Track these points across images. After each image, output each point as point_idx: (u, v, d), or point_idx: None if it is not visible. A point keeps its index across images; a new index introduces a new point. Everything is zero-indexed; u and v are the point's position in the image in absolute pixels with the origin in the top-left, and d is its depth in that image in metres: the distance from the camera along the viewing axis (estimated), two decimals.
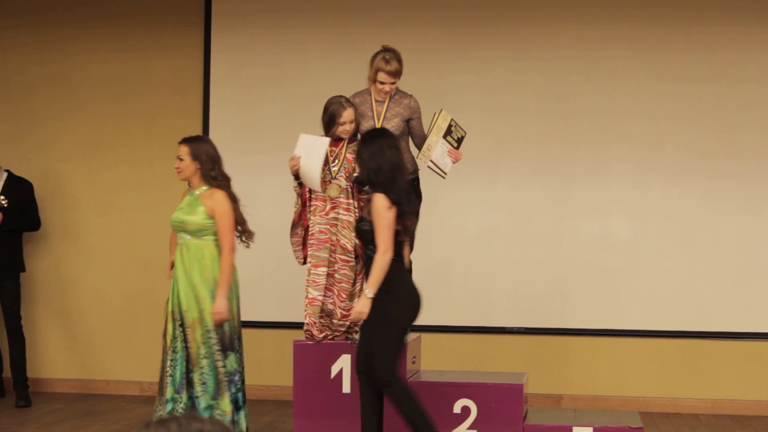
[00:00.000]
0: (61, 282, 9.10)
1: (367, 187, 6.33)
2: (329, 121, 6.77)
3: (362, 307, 5.91)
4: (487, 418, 6.43)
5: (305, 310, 6.74)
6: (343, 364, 6.64)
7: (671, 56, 8.55)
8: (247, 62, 8.99)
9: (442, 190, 8.07)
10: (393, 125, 6.66)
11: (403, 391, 5.97)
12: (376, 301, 5.88)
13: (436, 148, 6.71)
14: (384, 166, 5.94)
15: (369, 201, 6.09)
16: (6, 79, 9.34)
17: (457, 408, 6.49)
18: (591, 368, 8.57)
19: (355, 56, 8.86)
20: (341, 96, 6.80)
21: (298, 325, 8.55)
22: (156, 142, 9.02)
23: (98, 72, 9.23)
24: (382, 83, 6.70)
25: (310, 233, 6.85)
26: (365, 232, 6.04)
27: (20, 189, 8.67)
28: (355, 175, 6.59)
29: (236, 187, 8.89)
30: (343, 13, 8.92)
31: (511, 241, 8.69)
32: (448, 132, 6.76)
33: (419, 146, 6.81)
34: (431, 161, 6.71)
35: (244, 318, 9.02)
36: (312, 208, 6.85)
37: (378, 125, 6.66)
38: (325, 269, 6.69)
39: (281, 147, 8.89)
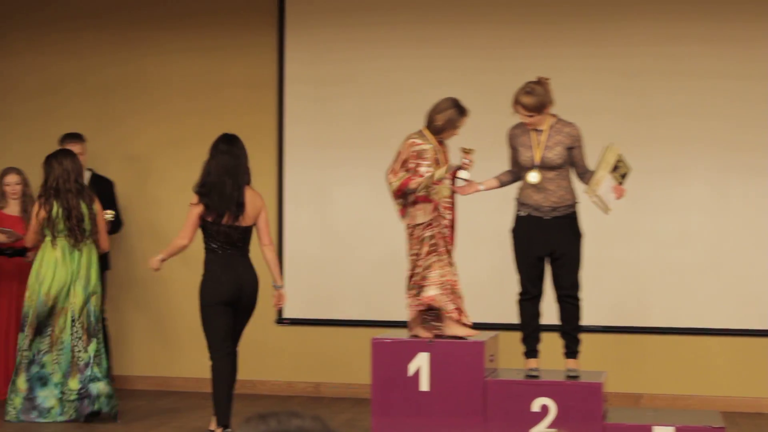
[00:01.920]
0: (143, 280, 9.19)
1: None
2: (446, 124, 6.73)
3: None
4: (566, 417, 6.39)
5: (421, 308, 6.72)
6: (421, 362, 6.64)
7: (751, 54, 8.42)
8: (321, 60, 9.03)
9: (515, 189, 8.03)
10: (555, 154, 6.65)
11: (213, 372, 7.01)
12: None
13: (603, 183, 6.71)
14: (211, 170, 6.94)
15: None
16: (83, 78, 9.47)
17: (535, 406, 6.47)
18: (670, 367, 8.48)
19: (428, 53, 8.88)
20: (458, 100, 6.78)
21: (375, 324, 8.60)
22: None
23: (174, 71, 9.33)
24: (519, 114, 6.68)
25: (433, 234, 6.75)
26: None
27: (103, 188, 8.72)
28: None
29: (310, 182, 9.01)
30: (416, 10, 8.92)
31: (589, 238, 8.59)
32: (615, 167, 6.75)
33: (581, 175, 6.81)
34: (597, 196, 6.72)
35: (324, 316, 9.09)
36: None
37: (538, 154, 6.65)
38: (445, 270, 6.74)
39: (355, 142, 8.95)
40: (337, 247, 8.94)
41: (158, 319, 9.24)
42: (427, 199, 6.68)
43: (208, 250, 7.05)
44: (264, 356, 9.06)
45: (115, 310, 9.14)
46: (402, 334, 6.97)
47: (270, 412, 1.54)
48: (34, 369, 7.67)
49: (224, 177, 6.96)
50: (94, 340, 7.76)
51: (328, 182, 8.99)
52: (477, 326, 6.90)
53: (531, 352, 6.82)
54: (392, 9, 8.95)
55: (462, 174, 6.75)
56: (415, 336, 6.76)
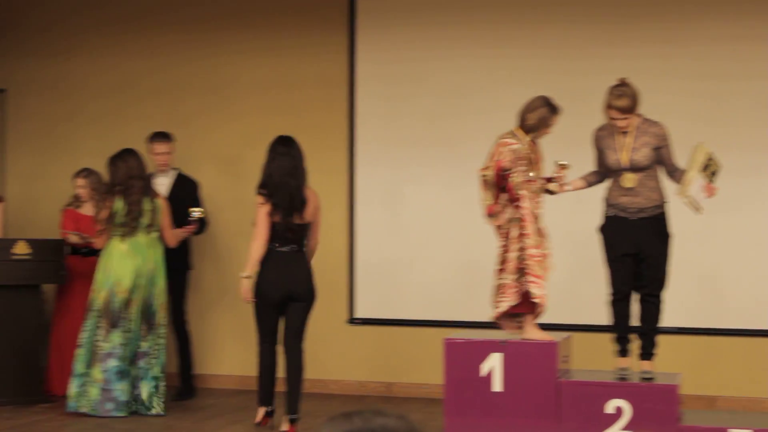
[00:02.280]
0: (225, 280, 9.27)
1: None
2: (538, 122, 6.68)
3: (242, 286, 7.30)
4: (641, 419, 6.32)
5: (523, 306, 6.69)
6: (494, 362, 6.62)
7: None
8: (392, 59, 9.04)
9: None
10: (642, 155, 6.62)
11: (258, 357, 7.36)
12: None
13: (694, 183, 6.67)
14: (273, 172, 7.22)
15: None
16: (156, 78, 9.57)
17: (609, 408, 6.41)
18: (746, 369, 8.36)
19: (500, 53, 8.85)
20: (551, 98, 6.74)
21: (446, 324, 8.59)
22: (303, 137, 9.09)
23: (246, 70, 9.40)
24: (614, 119, 6.63)
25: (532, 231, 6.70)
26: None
27: (187, 188, 8.81)
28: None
29: (382, 181, 9.01)
30: (487, 10, 8.90)
31: None
32: (705, 166, 6.70)
33: (671, 174, 6.77)
34: (688, 196, 6.68)
35: (396, 316, 9.08)
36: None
37: (626, 156, 6.62)
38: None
39: (427, 142, 8.94)
40: (409, 246, 8.94)
41: (242, 319, 9.24)
42: (517, 198, 6.62)
43: (269, 249, 7.28)
44: (336, 356, 9.10)
45: (199, 310, 9.19)
46: (474, 334, 6.95)
47: (354, 410, 1.55)
48: (112, 362, 7.77)
49: (286, 177, 7.25)
50: (152, 335, 7.91)
51: (399, 181, 8.99)
52: (550, 327, 6.87)
53: (622, 351, 6.82)
54: (464, 8, 8.93)
55: (551, 187, 6.72)
56: (507, 327, 6.71)
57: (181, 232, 8.35)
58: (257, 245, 7.25)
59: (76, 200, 8.93)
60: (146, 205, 7.98)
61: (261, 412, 7.41)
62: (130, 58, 9.66)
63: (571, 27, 8.70)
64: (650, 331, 6.79)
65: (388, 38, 9.05)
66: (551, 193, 6.77)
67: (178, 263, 8.68)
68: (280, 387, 7.42)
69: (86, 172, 8.87)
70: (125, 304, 7.83)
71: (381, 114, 9.06)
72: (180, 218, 8.44)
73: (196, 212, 8.28)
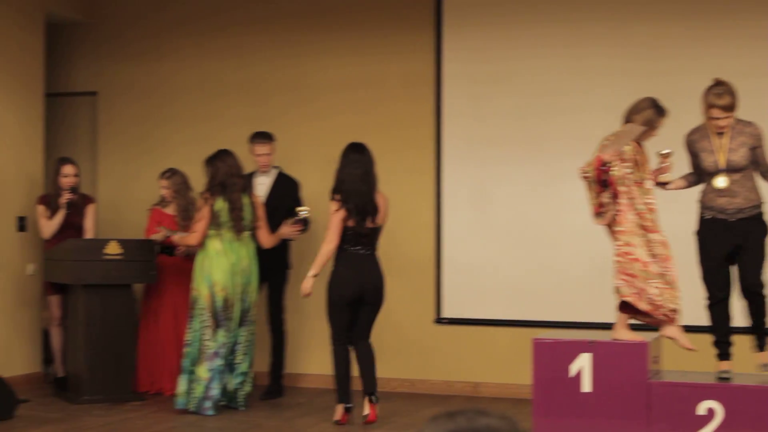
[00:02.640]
0: (317, 279, 9.30)
1: None
2: (644, 124, 6.59)
3: (304, 283, 7.58)
4: (734, 421, 6.23)
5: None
6: (583, 363, 6.57)
7: None
8: (478, 58, 9.01)
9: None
10: (740, 156, 6.54)
11: (333, 355, 7.60)
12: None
13: None
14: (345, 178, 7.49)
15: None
16: (246, 84, 9.67)
17: (701, 410, 6.32)
18: None
19: (586, 52, 8.75)
20: (657, 100, 6.67)
21: (533, 324, 8.55)
22: (389, 136, 9.13)
23: (333, 71, 9.43)
24: (716, 119, 6.56)
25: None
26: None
27: (288, 187, 8.84)
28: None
29: (468, 180, 8.98)
30: (574, 7, 8.82)
31: None
32: None
33: (764, 174, 6.67)
34: None
35: (482, 316, 9.05)
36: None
37: (722, 158, 6.55)
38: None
39: (514, 141, 8.89)
40: (496, 246, 8.91)
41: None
42: (617, 194, 6.52)
43: (340, 250, 7.55)
44: (422, 355, 9.10)
45: (295, 309, 9.24)
46: (563, 334, 6.91)
47: (458, 410, 1.54)
48: (218, 362, 7.88)
49: (359, 184, 7.48)
50: (243, 332, 8.02)
51: (486, 180, 8.96)
52: (641, 327, 6.80)
53: (723, 355, 6.71)
54: (550, 6, 8.87)
55: (664, 177, 6.65)
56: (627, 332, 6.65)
57: (288, 231, 8.37)
58: (329, 249, 7.54)
59: (162, 200, 9.07)
60: (245, 202, 8.08)
61: (340, 409, 7.55)
62: (216, 57, 9.76)
63: (661, 24, 8.58)
64: (762, 325, 6.70)
65: (474, 37, 9.02)
66: (664, 185, 6.68)
67: (278, 262, 8.74)
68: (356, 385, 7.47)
69: (170, 173, 9.00)
70: (226, 303, 7.93)
71: (467, 113, 9.03)
72: (281, 217, 8.47)
73: (303, 211, 8.27)
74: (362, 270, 7.54)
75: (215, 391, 7.88)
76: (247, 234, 8.11)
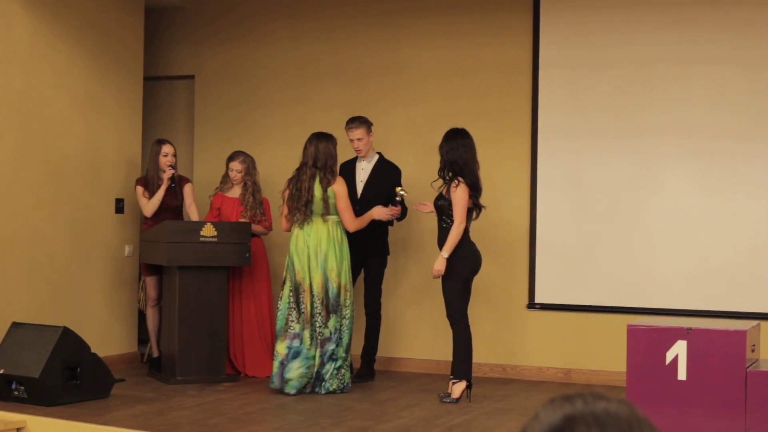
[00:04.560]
0: (412, 265, 9.35)
1: None
2: None
3: (439, 265, 7.72)
4: None
5: None
6: (678, 350, 6.49)
7: None
8: (576, 44, 8.89)
9: None
10: None
11: (462, 332, 7.77)
12: (449, 260, 7.70)
13: None
14: (458, 159, 7.71)
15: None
16: (342, 68, 9.70)
17: None
18: None
19: (686, 38, 8.58)
20: None
21: (626, 310, 8.48)
22: (485, 122, 9.10)
23: (428, 55, 9.40)
24: None
25: None
26: (442, 207, 7.81)
27: (389, 173, 8.77)
28: None
29: (564, 170, 8.91)
30: None
31: None
32: None
33: None
34: None
35: (575, 302, 8.97)
36: None
37: None
38: None
39: (610, 132, 8.77)
40: (589, 233, 8.83)
41: (427, 303, 9.28)
42: None
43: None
44: (514, 341, 9.06)
45: (391, 294, 9.28)
46: (657, 321, 6.84)
47: (575, 393, 1.54)
48: (296, 342, 8.00)
49: (471, 165, 7.77)
50: (333, 317, 8.04)
51: (582, 169, 8.85)
52: (738, 315, 6.71)
53: None
54: None
55: None
56: None
57: (381, 213, 8.37)
58: (460, 229, 7.75)
59: (224, 183, 9.16)
60: (317, 191, 8.09)
61: (463, 385, 7.78)
62: (311, 41, 9.80)
63: (763, 8, 8.38)
64: None
65: (572, 22, 8.88)
66: None
67: (377, 248, 8.76)
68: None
69: (243, 155, 9.07)
70: (302, 288, 8.03)
71: (563, 102, 8.91)
72: (380, 203, 8.50)
73: (401, 192, 8.26)
74: (474, 246, 7.90)
75: (287, 370, 7.97)
76: (332, 219, 8.14)
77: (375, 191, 8.64)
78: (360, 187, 8.73)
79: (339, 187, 8.14)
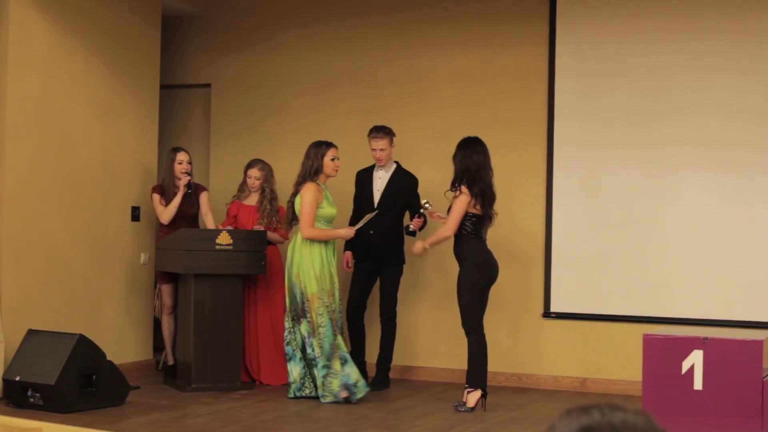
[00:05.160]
0: (442, 274, 9.34)
1: None
2: None
3: (415, 247, 7.88)
4: None
5: None
6: (695, 359, 6.47)
7: None
8: (591, 53, 8.88)
9: None
10: None
11: (478, 341, 7.73)
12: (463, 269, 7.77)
13: None
14: (471, 166, 7.69)
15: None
16: (357, 76, 9.71)
17: None
18: None
19: (702, 47, 8.55)
20: None
21: (641, 319, 8.46)
22: (500, 130, 9.09)
23: (444, 63, 9.42)
24: None
25: None
26: None
27: (406, 183, 8.79)
28: None
29: (580, 178, 8.90)
30: (692, 1, 8.60)
31: None
32: None
33: None
34: None
35: (590, 311, 8.94)
36: None
37: None
38: None
39: (625, 141, 8.75)
40: (605, 242, 8.81)
41: (441, 312, 9.29)
42: None
43: (476, 237, 7.81)
44: (530, 350, 9.05)
45: (408, 303, 9.29)
46: (673, 330, 6.82)
47: (592, 404, 1.53)
48: (286, 347, 8.24)
49: (482, 172, 7.72)
50: (304, 321, 8.04)
51: (598, 178, 8.82)
52: (754, 325, 6.68)
53: None
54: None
55: None
56: None
57: (352, 234, 8.36)
58: (446, 234, 7.80)
59: (241, 191, 9.18)
60: (296, 201, 8.21)
61: (478, 394, 7.74)
62: (326, 49, 9.82)
63: None
64: None
65: (588, 31, 8.88)
66: None
67: (393, 257, 8.77)
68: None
69: (261, 163, 9.10)
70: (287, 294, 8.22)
71: (579, 111, 8.89)
72: (397, 212, 8.68)
73: (426, 204, 8.16)
74: (491, 254, 7.87)
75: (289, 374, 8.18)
76: (295, 230, 8.33)
77: (392, 200, 8.65)
78: (377, 196, 8.73)
79: (304, 191, 8.12)
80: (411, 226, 8.29)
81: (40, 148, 8.42)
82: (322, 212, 8.12)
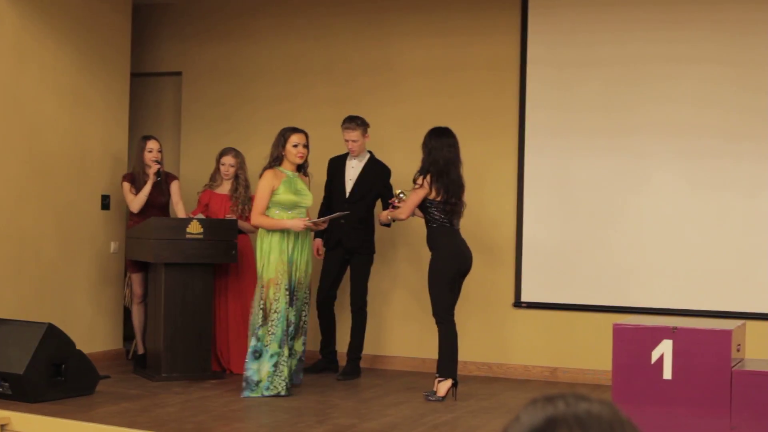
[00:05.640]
0: (414, 264, 9.32)
1: None
2: None
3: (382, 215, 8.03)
4: None
5: None
6: (664, 349, 6.49)
7: None
8: (563, 42, 8.89)
9: None
10: None
11: (448, 330, 7.74)
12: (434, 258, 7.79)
13: None
14: (440, 161, 7.70)
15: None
16: (330, 65, 9.69)
17: None
18: None
19: (675, 37, 8.58)
20: None
21: (612, 309, 8.49)
22: (472, 120, 9.10)
23: (416, 52, 9.40)
24: None
25: None
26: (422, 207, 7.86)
27: (378, 173, 8.80)
28: None
29: (551, 168, 8.92)
30: None
31: None
32: None
33: None
34: None
35: (560, 300, 8.98)
36: None
37: None
38: None
39: (597, 130, 8.77)
40: (576, 232, 8.83)
41: (411, 301, 9.30)
42: None
43: (443, 226, 7.80)
44: (500, 339, 9.07)
45: (378, 292, 9.29)
46: (643, 320, 6.84)
47: (557, 394, 1.53)
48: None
49: (449, 165, 7.73)
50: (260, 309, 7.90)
51: (569, 167, 8.85)
52: (723, 315, 6.72)
53: None
54: None
55: None
56: None
57: (301, 226, 7.95)
58: (403, 218, 7.89)
59: (213, 180, 9.15)
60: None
61: (449, 384, 7.73)
62: (299, 38, 9.79)
63: (753, 9, 8.37)
64: None
65: (561, 20, 8.88)
66: None
67: (363, 246, 8.77)
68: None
69: (235, 152, 9.07)
70: None
71: (551, 100, 8.90)
72: (369, 202, 8.68)
73: (401, 194, 8.07)
74: (464, 244, 7.85)
75: (250, 372, 7.84)
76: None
77: (364, 190, 8.65)
78: (349, 186, 8.73)
79: (260, 179, 8.00)
80: (383, 218, 8.26)
81: (8, 137, 8.36)
82: (278, 198, 7.88)
